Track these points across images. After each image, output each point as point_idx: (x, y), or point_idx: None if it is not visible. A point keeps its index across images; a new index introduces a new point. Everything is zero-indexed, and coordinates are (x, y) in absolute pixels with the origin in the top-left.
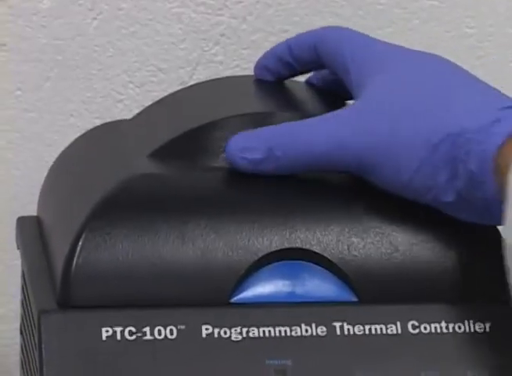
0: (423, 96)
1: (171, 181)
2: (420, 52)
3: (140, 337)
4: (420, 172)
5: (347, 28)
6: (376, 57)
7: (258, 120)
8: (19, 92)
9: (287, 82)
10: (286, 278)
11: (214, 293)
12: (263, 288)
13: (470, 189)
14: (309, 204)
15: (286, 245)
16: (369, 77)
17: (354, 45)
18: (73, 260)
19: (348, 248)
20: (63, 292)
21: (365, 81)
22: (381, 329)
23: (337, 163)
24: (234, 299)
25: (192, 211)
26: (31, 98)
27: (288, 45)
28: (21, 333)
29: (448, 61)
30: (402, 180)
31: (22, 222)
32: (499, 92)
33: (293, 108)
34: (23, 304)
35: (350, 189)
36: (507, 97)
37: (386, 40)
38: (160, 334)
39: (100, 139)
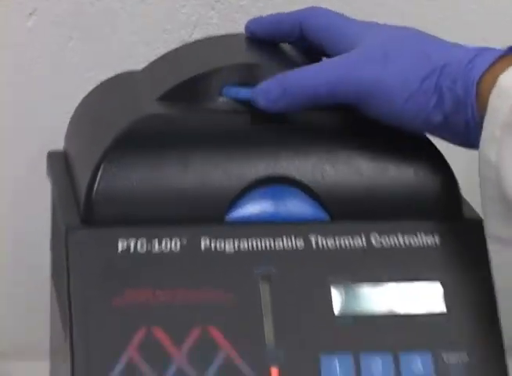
0: (409, 42)
1: (175, 120)
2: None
3: (149, 249)
4: (411, 101)
5: (328, 9)
6: (362, 27)
7: (247, 69)
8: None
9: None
10: (271, 200)
11: (212, 212)
12: (252, 209)
13: (455, 112)
14: (291, 140)
15: (271, 173)
16: (359, 40)
17: (339, 20)
18: (94, 185)
19: (322, 175)
20: (86, 212)
21: (355, 44)
22: (349, 242)
23: (339, 97)
24: (228, 218)
25: (194, 144)
26: (58, 54)
27: (276, 18)
28: (51, 249)
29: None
30: (395, 109)
31: (51, 155)
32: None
33: (276, 60)
34: (52, 224)
35: (327, 128)
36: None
37: None
38: (166, 246)
39: (116, 86)
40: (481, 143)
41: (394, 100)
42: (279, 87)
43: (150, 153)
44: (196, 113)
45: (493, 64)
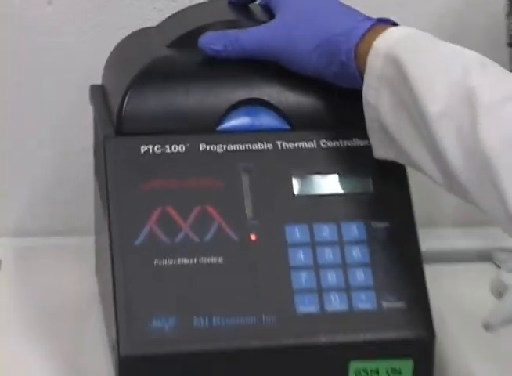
0: (311, 12)
1: (179, 60)
2: None
3: (163, 151)
4: (309, 63)
5: None
6: None
7: (228, 23)
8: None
9: (251, 5)
10: (248, 116)
11: (207, 124)
12: (235, 122)
13: (342, 70)
14: (263, 73)
15: (249, 96)
16: (282, 3)
17: None
18: (123, 106)
19: (285, 97)
20: (118, 126)
21: (279, 6)
22: (304, 144)
23: (263, 55)
24: (218, 128)
25: (192, 76)
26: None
27: None
28: (94, 154)
29: None
30: (301, 67)
31: (93, 88)
32: (359, 12)
33: (246, 17)
34: (94, 136)
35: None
36: (362, 14)
37: None
38: (175, 148)
39: (138, 37)
40: (364, 91)
41: (299, 61)
42: (220, 42)
43: (162, 84)
44: (193, 55)
45: (366, 33)
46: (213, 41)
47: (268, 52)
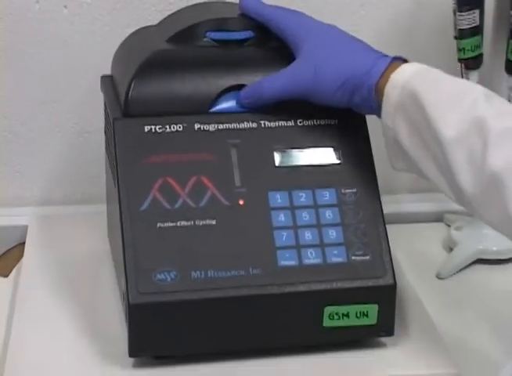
0: (332, 52)
1: (176, 52)
2: (325, 23)
3: (164, 130)
4: (333, 99)
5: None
6: (304, 28)
7: (219, 21)
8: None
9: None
10: (235, 99)
11: (201, 107)
12: (225, 104)
13: (363, 102)
14: (247, 63)
15: (236, 83)
16: (300, 41)
17: (292, 20)
18: (129, 92)
19: None
20: (125, 109)
21: (298, 44)
22: (284, 123)
23: (289, 97)
24: (211, 110)
25: (188, 66)
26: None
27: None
28: (105, 133)
29: (341, 29)
30: (325, 103)
31: (103, 78)
32: (371, 47)
33: (243, 17)
34: (105, 119)
35: (267, 59)
36: (376, 50)
37: None
38: (173, 128)
39: (141, 34)
40: (382, 116)
41: (324, 99)
42: (254, 96)
43: (162, 73)
44: (188, 48)
45: (384, 72)
46: (247, 96)
47: (294, 95)
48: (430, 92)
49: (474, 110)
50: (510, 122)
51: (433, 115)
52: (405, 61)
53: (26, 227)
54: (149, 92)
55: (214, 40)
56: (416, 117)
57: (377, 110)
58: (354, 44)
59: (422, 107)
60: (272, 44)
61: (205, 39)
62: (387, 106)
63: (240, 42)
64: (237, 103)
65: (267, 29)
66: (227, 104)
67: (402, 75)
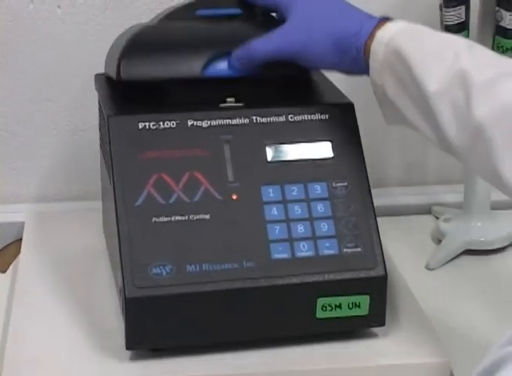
0: (321, 15)
1: (165, 28)
2: None
3: (157, 127)
4: (325, 59)
5: None
6: None
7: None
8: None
9: None
10: (225, 63)
11: (193, 72)
12: (218, 68)
13: (353, 63)
14: (231, 34)
15: (224, 50)
16: (290, 3)
17: None
18: (120, 65)
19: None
20: (118, 75)
21: (288, 6)
22: (275, 119)
23: (282, 57)
24: (203, 73)
25: (179, 36)
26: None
27: None
28: (100, 129)
29: None
30: (317, 63)
31: (97, 76)
32: (360, 9)
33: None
34: (99, 115)
35: (250, 32)
36: (364, 12)
37: None
38: (167, 124)
39: (133, 27)
40: (370, 74)
41: (315, 60)
42: (246, 56)
43: (147, 50)
44: (179, 23)
45: (372, 31)
46: (240, 57)
47: (287, 55)
48: (414, 48)
49: (456, 63)
50: (492, 73)
51: (417, 70)
52: (387, 19)
53: (23, 224)
54: (134, 66)
55: (203, 16)
56: (401, 73)
57: (366, 69)
58: (342, 6)
59: (406, 63)
60: (259, 19)
61: (195, 17)
62: (374, 63)
63: (229, 17)
64: (229, 64)
65: (253, 7)
66: (220, 67)
67: (386, 33)
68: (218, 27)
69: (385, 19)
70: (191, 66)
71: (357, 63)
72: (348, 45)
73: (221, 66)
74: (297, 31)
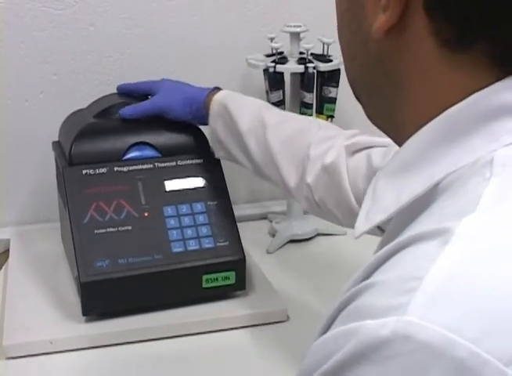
0: (175, 90)
1: (100, 124)
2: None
3: (95, 172)
4: (180, 111)
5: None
6: (157, 82)
7: (123, 104)
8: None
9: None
10: (139, 151)
11: (117, 156)
12: (133, 154)
13: (197, 113)
14: (145, 127)
15: (140, 140)
16: (156, 88)
17: (149, 82)
18: (71, 151)
19: (158, 140)
20: (69, 161)
21: (155, 90)
22: (169, 164)
23: (154, 113)
24: (124, 158)
25: (108, 131)
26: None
27: (133, 87)
28: (57, 178)
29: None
30: (177, 115)
31: (54, 143)
32: (200, 87)
33: (130, 99)
34: (56, 168)
35: (159, 125)
36: (203, 87)
37: None
38: (100, 170)
39: (76, 113)
40: (209, 122)
41: (174, 113)
42: (133, 110)
43: (91, 138)
44: (108, 121)
45: (209, 94)
46: (128, 110)
47: (157, 111)
48: (235, 105)
49: (259, 112)
50: (280, 119)
51: (235, 117)
52: (219, 89)
53: (9, 240)
54: (83, 150)
55: (122, 115)
56: (227, 120)
57: (207, 118)
58: (189, 85)
59: (230, 113)
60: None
61: (117, 115)
62: (211, 114)
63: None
64: (120, 115)
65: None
66: (134, 153)
67: (219, 96)
68: (132, 123)
69: (217, 88)
70: (116, 154)
71: (201, 113)
72: (194, 102)
73: (136, 152)
74: (161, 99)
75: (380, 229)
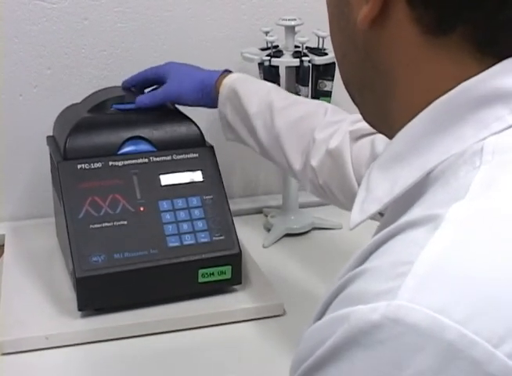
0: (186, 76)
1: (95, 118)
2: (172, 62)
3: (90, 167)
4: (192, 97)
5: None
6: (166, 66)
7: (120, 97)
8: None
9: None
10: (134, 145)
11: (112, 150)
12: (128, 148)
13: (208, 99)
14: (141, 121)
15: (135, 134)
16: (166, 73)
17: (156, 67)
18: (66, 145)
19: (153, 133)
20: (64, 156)
21: (165, 75)
22: (164, 158)
23: (167, 101)
24: (119, 152)
25: (103, 125)
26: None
27: (140, 77)
28: (51, 172)
29: (187, 64)
30: (188, 100)
31: (49, 137)
32: (208, 69)
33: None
34: (51, 163)
35: (155, 118)
36: (212, 70)
37: None
38: (95, 165)
39: (69, 108)
40: (218, 105)
41: (187, 98)
42: (151, 99)
43: (85, 133)
44: (102, 115)
45: (219, 77)
46: (142, 99)
47: (170, 100)
48: (243, 88)
49: (267, 95)
50: (287, 103)
51: (244, 100)
52: (230, 72)
53: (3, 235)
54: (78, 144)
55: (116, 109)
56: (236, 104)
57: (216, 102)
58: (197, 68)
59: (239, 97)
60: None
61: (111, 109)
62: (221, 98)
63: (133, 109)
64: (135, 105)
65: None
66: (129, 148)
67: (228, 79)
68: (127, 117)
69: (227, 71)
70: (111, 148)
71: (210, 98)
72: (204, 88)
73: (131, 147)
74: (173, 87)
75: (380, 214)
